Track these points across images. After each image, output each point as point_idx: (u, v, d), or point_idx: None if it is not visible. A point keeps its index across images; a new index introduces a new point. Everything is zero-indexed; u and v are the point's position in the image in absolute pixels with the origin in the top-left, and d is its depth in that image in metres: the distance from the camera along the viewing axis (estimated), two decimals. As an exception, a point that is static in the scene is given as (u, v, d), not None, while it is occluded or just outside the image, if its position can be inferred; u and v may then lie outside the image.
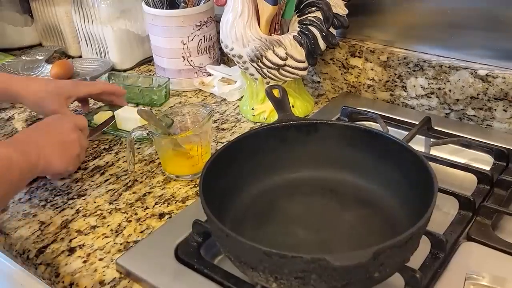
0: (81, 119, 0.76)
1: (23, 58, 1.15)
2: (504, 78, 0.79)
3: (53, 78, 1.05)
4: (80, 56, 1.23)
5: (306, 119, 0.86)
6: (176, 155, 0.75)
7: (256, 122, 0.92)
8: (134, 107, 0.96)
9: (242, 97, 0.99)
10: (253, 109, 0.92)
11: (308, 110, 0.94)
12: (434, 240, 0.58)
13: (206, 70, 1.05)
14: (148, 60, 1.18)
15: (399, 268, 0.52)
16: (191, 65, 1.03)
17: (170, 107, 0.99)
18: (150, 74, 1.13)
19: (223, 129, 0.90)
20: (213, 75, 1.04)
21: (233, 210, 0.63)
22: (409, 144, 0.75)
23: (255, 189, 0.66)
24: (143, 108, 0.93)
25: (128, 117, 0.86)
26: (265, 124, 0.69)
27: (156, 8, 1.00)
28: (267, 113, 0.91)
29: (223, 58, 1.12)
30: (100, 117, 0.90)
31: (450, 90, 0.85)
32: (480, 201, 0.66)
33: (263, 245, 0.47)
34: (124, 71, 1.15)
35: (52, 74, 1.07)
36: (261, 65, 0.86)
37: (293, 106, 0.91)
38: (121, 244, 0.64)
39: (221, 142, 0.86)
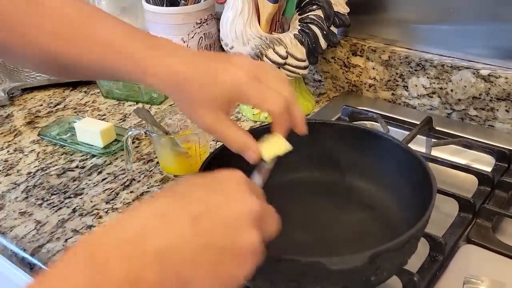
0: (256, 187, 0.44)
1: (23, 55, 1.14)
2: (507, 78, 0.78)
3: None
4: (81, 54, 1.22)
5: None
6: (175, 154, 0.74)
7: (257, 121, 0.91)
8: (95, 117, 0.94)
9: (242, 95, 0.98)
10: (253, 108, 0.92)
11: (309, 109, 0.93)
12: (433, 243, 0.57)
13: (206, 68, 1.04)
14: (149, 58, 1.17)
15: (397, 271, 0.51)
16: (191, 63, 1.02)
17: (170, 105, 0.99)
18: (150, 72, 1.12)
19: (222, 128, 0.89)
20: (213, 73, 1.04)
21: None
22: (409, 144, 0.75)
23: (253, 190, 0.65)
24: (140, 107, 0.92)
25: (88, 130, 0.82)
26: (264, 124, 0.69)
27: (156, 5, 0.99)
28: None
29: (224, 56, 1.11)
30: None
31: (452, 90, 0.84)
32: (480, 203, 0.65)
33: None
34: (125, 68, 1.14)
35: (52, 72, 1.06)
36: (261, 63, 0.85)
37: (293, 105, 0.90)
38: (117, 244, 0.63)
39: (220, 142, 0.85)
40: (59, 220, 0.68)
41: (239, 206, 0.37)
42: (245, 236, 0.35)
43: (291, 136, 0.66)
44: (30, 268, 0.63)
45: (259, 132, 0.65)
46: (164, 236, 0.32)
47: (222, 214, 0.35)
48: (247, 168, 0.64)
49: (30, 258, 0.63)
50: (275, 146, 0.53)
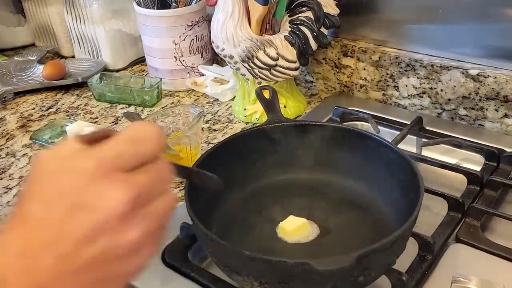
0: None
1: (15, 58, 1.14)
2: (496, 77, 0.78)
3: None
4: (73, 57, 1.22)
5: (295, 120, 0.85)
6: (166, 157, 0.74)
7: (248, 123, 0.92)
8: (88, 121, 0.94)
9: (234, 97, 0.99)
10: (245, 109, 0.92)
11: (301, 110, 0.94)
12: (421, 242, 0.58)
13: (198, 70, 1.04)
14: (141, 60, 1.17)
15: (385, 271, 0.52)
16: (183, 65, 1.02)
17: (162, 108, 0.99)
18: (143, 74, 1.13)
19: (215, 130, 0.90)
20: (205, 75, 1.04)
21: (221, 213, 0.62)
22: (400, 144, 0.75)
23: (244, 192, 0.66)
24: (130, 111, 0.92)
25: (80, 133, 0.82)
26: (254, 126, 0.69)
27: (148, 8, 1.00)
28: (259, 113, 0.90)
29: (216, 58, 1.11)
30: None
31: (441, 90, 0.85)
32: (469, 202, 0.65)
33: (250, 249, 0.47)
34: (117, 71, 1.14)
35: (44, 75, 1.07)
36: (252, 65, 0.85)
37: (285, 107, 0.91)
38: (108, 247, 0.63)
39: (212, 143, 0.86)
40: (51, 224, 0.68)
41: (100, 205, 0.31)
42: (120, 236, 0.31)
43: (279, 137, 0.67)
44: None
45: (253, 133, 0.66)
46: (22, 282, 0.30)
47: (79, 225, 0.31)
48: (236, 172, 0.64)
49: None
50: None
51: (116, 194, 0.31)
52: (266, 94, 0.72)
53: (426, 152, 0.80)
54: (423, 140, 0.81)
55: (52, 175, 0.32)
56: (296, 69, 0.88)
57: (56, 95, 1.06)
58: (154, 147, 0.34)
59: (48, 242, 0.31)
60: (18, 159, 0.84)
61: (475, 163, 0.76)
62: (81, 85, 1.07)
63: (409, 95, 0.89)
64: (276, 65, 0.85)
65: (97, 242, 0.31)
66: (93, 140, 0.34)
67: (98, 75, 1.03)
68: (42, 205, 0.31)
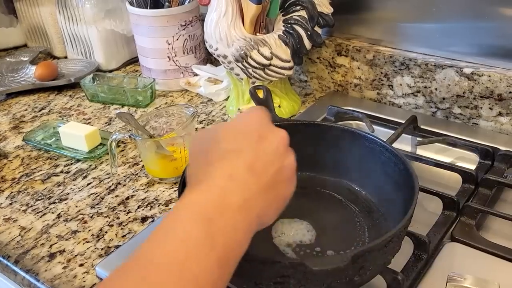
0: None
1: (7, 59, 1.13)
2: (490, 76, 0.78)
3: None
4: (66, 57, 1.21)
5: (289, 120, 0.85)
6: (160, 158, 0.74)
7: (242, 123, 0.91)
8: (81, 121, 0.93)
9: (228, 97, 0.98)
10: (239, 109, 0.91)
11: (295, 109, 0.93)
12: (417, 241, 0.57)
13: (192, 70, 1.04)
14: (135, 60, 1.17)
15: (380, 270, 0.51)
16: (176, 65, 1.02)
17: (155, 108, 0.98)
18: (136, 75, 1.12)
19: (208, 130, 0.89)
20: (199, 75, 1.04)
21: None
22: (395, 143, 0.75)
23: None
24: (123, 111, 0.92)
25: (73, 134, 0.82)
26: (248, 126, 0.69)
27: (140, 7, 0.99)
28: (253, 113, 0.90)
29: (210, 58, 1.11)
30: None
31: (436, 89, 0.84)
32: (464, 201, 0.65)
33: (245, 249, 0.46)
34: (110, 71, 1.14)
35: (36, 76, 1.06)
36: (246, 65, 0.85)
37: (279, 106, 0.90)
38: (102, 249, 0.63)
39: (206, 143, 0.85)
40: (43, 226, 0.68)
41: (274, 138, 0.44)
42: (286, 160, 0.44)
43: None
44: (15, 275, 0.62)
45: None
46: (238, 194, 0.40)
47: (265, 151, 0.43)
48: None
49: (14, 265, 0.62)
50: None
51: (281, 131, 0.45)
52: (260, 94, 0.72)
53: (421, 151, 0.80)
54: (418, 139, 0.81)
55: (232, 125, 0.46)
56: (290, 68, 0.87)
57: (48, 96, 1.05)
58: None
59: (247, 165, 0.41)
60: (11, 160, 0.83)
61: (469, 161, 0.76)
62: (74, 85, 1.07)
63: (403, 94, 0.89)
64: (270, 64, 0.85)
65: (275, 163, 0.43)
66: None
67: (91, 75, 1.02)
68: (233, 142, 0.43)
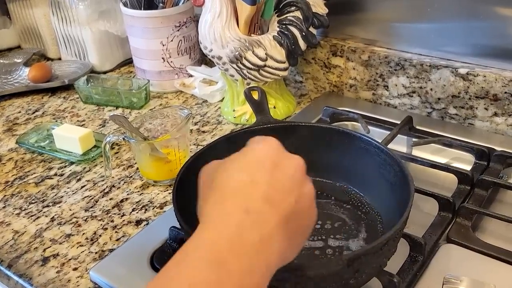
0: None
1: (1, 61, 1.12)
2: (485, 76, 0.78)
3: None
4: (59, 59, 1.21)
5: (284, 121, 0.84)
6: (154, 160, 0.73)
7: (238, 124, 0.91)
8: (75, 123, 0.93)
9: (223, 98, 0.98)
10: (234, 110, 0.91)
11: (290, 110, 0.93)
12: (412, 243, 0.57)
13: (186, 71, 1.03)
14: (129, 62, 1.16)
15: (376, 273, 0.51)
16: (171, 66, 1.01)
17: (150, 110, 0.98)
18: (130, 76, 1.11)
19: (204, 132, 0.89)
20: (194, 76, 1.03)
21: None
22: (390, 144, 0.75)
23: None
24: (116, 113, 0.91)
25: (66, 136, 0.81)
26: (243, 127, 0.68)
27: (134, 9, 0.98)
28: (248, 114, 0.89)
29: (205, 59, 1.10)
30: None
31: (431, 89, 0.84)
32: (460, 202, 0.65)
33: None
34: (104, 73, 1.13)
35: (30, 78, 1.05)
36: (241, 66, 0.84)
37: (274, 107, 0.90)
38: (96, 253, 0.62)
39: (201, 145, 0.85)
40: (37, 230, 0.67)
41: (289, 164, 0.41)
42: (304, 187, 0.41)
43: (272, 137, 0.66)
44: (8, 279, 0.62)
45: (242, 134, 0.65)
46: (255, 229, 0.36)
47: (281, 181, 0.39)
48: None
49: (7, 269, 0.62)
50: None
51: (296, 157, 0.42)
52: (255, 95, 0.72)
53: (417, 152, 0.80)
54: (413, 139, 0.81)
55: (242, 155, 0.41)
56: (285, 69, 0.87)
57: (42, 98, 1.04)
58: None
59: (264, 197, 0.37)
60: (4, 163, 0.82)
61: (465, 162, 0.76)
62: (67, 87, 1.06)
63: (399, 95, 0.89)
64: (265, 65, 0.85)
65: (293, 191, 0.39)
66: None
67: (85, 77, 1.02)
68: (246, 173, 0.39)
